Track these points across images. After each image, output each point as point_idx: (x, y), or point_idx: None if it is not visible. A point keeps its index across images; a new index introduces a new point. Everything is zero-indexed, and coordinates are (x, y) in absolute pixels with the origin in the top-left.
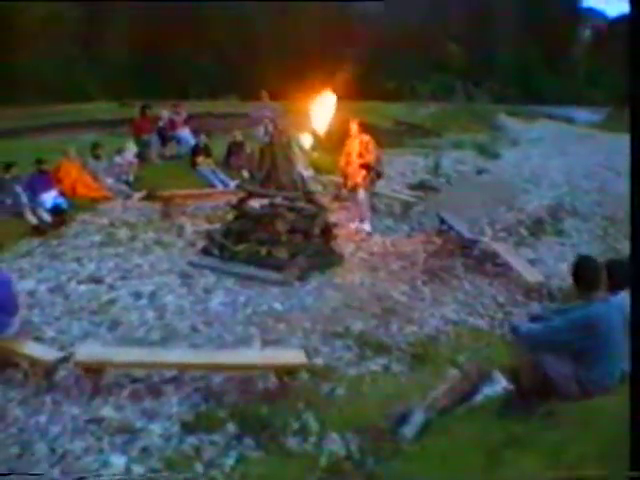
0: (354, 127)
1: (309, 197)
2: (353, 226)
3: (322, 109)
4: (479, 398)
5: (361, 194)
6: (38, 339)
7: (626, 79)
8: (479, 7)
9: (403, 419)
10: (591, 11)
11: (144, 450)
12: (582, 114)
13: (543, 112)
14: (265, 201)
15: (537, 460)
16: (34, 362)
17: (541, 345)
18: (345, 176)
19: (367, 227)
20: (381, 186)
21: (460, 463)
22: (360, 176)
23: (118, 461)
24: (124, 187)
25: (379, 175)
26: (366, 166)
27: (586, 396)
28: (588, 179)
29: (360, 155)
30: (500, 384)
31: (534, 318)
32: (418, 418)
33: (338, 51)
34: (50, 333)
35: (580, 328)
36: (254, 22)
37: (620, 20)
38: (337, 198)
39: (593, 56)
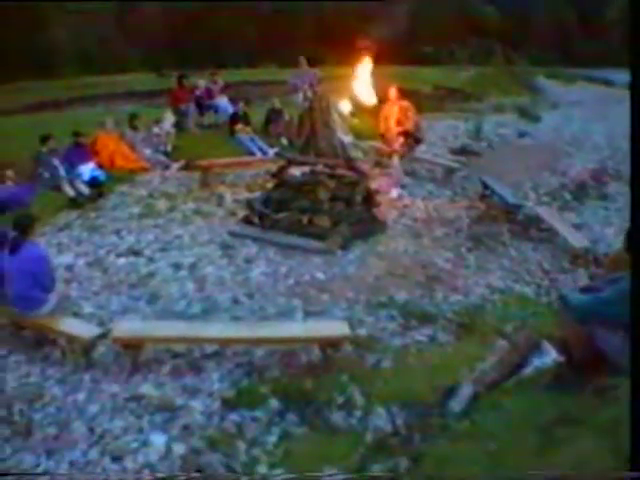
0: (393, 92)
1: (350, 164)
2: (395, 193)
3: (361, 74)
4: (528, 370)
5: (395, 160)
6: (76, 315)
7: None
8: None
9: (451, 392)
10: None
11: (185, 428)
12: (621, 76)
13: (581, 74)
14: (305, 169)
15: (593, 440)
16: (72, 339)
17: (591, 317)
18: (384, 142)
19: (395, 193)
20: (423, 151)
21: (512, 441)
22: (398, 143)
23: (158, 440)
24: (162, 157)
25: (418, 141)
26: (405, 133)
27: None
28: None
29: (399, 122)
30: (550, 356)
31: (584, 289)
32: (466, 391)
33: (375, 16)
34: (88, 308)
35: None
36: None
37: None
38: (378, 164)
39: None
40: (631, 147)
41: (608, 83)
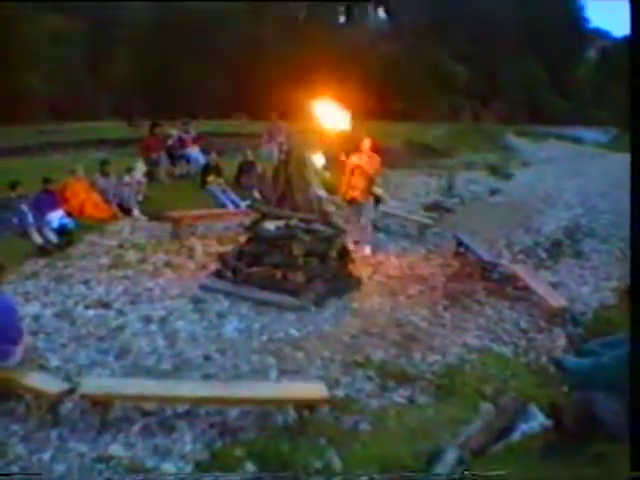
0: (367, 143)
1: (326, 218)
2: (367, 250)
3: (332, 129)
4: (516, 435)
5: (365, 215)
6: (42, 367)
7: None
8: (484, 27)
9: (435, 457)
10: (597, 31)
11: None
12: (590, 134)
13: (551, 132)
14: (280, 223)
15: None
16: (38, 394)
17: (590, 382)
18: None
19: (367, 250)
20: (395, 207)
21: None
22: (363, 192)
23: None
24: (131, 203)
25: (378, 200)
26: (369, 180)
27: None
28: (603, 200)
29: (365, 171)
30: (537, 420)
31: (581, 352)
32: (451, 456)
33: (346, 72)
34: (55, 362)
35: None
36: (263, 42)
37: (626, 40)
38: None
39: (599, 76)
40: (631, 206)
41: (578, 141)
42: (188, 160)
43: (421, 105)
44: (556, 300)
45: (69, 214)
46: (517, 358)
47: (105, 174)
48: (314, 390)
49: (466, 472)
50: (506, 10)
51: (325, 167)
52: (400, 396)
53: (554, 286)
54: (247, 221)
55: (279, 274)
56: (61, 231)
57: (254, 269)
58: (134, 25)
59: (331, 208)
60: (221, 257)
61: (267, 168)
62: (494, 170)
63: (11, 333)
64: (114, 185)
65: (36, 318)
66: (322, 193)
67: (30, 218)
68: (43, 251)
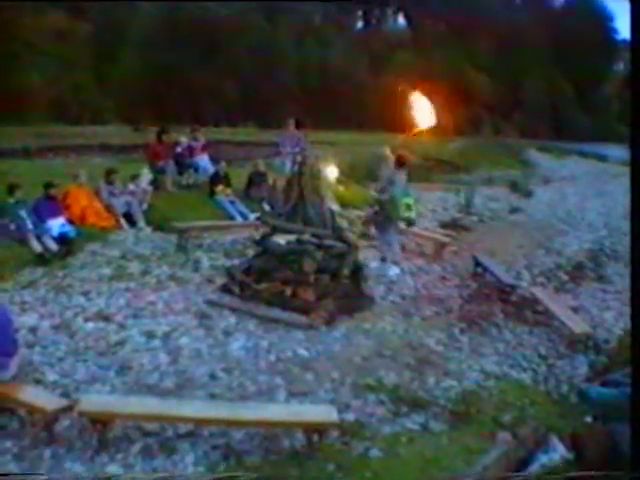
0: (397, 159)
1: (339, 234)
2: (395, 270)
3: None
4: (534, 467)
5: (393, 234)
6: (38, 382)
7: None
8: (507, 36)
9: None
10: (626, 42)
11: None
12: (615, 151)
13: (574, 149)
14: (291, 237)
15: None
16: (33, 410)
17: (615, 413)
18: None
19: (395, 270)
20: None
21: None
22: None
23: None
24: (136, 212)
25: None
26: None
27: None
28: (628, 221)
29: None
30: (557, 452)
31: (606, 383)
32: None
33: (362, 80)
34: (52, 376)
35: None
36: (276, 47)
37: None
38: (365, 235)
39: (628, 90)
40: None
41: (602, 158)
42: (196, 169)
43: (439, 117)
44: (578, 325)
45: (70, 222)
46: (536, 385)
47: (110, 182)
48: (323, 413)
49: None
50: (531, 19)
51: (339, 180)
52: (413, 422)
53: (575, 311)
54: (256, 234)
55: (289, 291)
56: (61, 239)
57: (263, 285)
58: (142, 26)
59: (344, 223)
60: (228, 271)
61: (278, 180)
62: (514, 187)
63: (6, 345)
64: (118, 193)
65: (33, 330)
66: (335, 207)
67: (29, 224)
68: (42, 259)
